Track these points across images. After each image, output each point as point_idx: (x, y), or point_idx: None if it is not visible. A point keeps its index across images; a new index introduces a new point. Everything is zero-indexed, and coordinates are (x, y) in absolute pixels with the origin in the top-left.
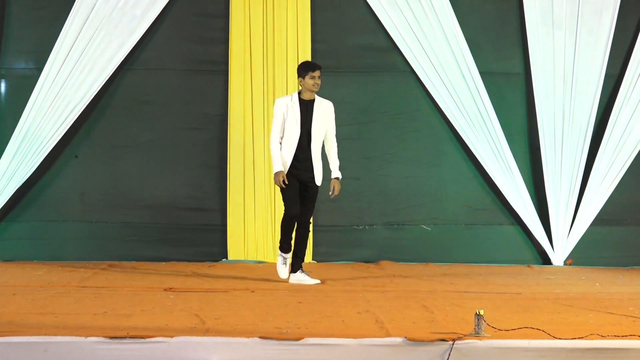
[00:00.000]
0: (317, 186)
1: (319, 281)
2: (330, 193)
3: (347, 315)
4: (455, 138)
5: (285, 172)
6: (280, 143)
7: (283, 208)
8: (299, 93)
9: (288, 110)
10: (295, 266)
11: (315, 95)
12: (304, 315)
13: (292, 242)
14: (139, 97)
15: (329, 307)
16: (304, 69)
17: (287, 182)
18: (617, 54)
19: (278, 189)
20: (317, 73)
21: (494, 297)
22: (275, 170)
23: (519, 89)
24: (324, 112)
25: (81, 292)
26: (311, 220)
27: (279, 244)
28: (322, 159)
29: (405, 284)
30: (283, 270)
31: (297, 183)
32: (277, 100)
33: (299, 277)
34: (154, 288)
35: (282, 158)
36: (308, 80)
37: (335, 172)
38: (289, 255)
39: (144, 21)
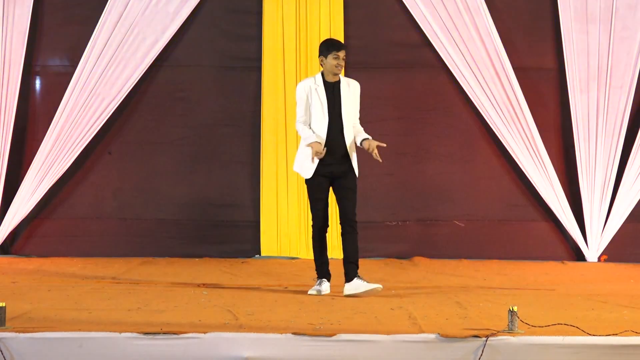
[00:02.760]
0: (356, 176)
1: (380, 286)
2: (372, 153)
3: (380, 312)
4: (489, 134)
5: (311, 174)
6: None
7: None
8: (322, 75)
9: (312, 93)
10: (350, 274)
11: (340, 76)
12: (337, 311)
13: (344, 250)
14: (172, 93)
15: (361, 303)
16: (326, 47)
17: (322, 154)
18: None
19: None
20: (341, 53)
21: (528, 294)
22: (311, 141)
23: (553, 85)
24: (353, 93)
25: (115, 288)
26: (356, 218)
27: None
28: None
29: (438, 280)
30: (317, 289)
31: (327, 186)
32: (298, 84)
33: (356, 285)
34: (188, 284)
35: (308, 157)
36: (331, 60)
37: (364, 135)
38: (327, 282)
39: (177, 18)
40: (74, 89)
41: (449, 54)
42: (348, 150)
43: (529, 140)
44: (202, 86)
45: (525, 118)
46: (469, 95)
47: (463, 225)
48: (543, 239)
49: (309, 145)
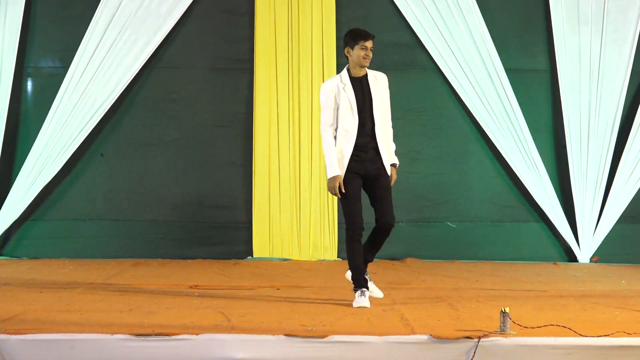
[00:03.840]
0: (388, 175)
1: (381, 295)
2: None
3: (372, 313)
4: (481, 135)
5: (344, 173)
6: (335, 137)
7: (309, 205)
8: (348, 70)
9: (340, 93)
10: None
11: (367, 69)
12: (329, 312)
13: (368, 249)
14: (164, 95)
15: None
16: (352, 38)
17: (344, 191)
18: None
19: (303, 186)
20: (369, 43)
21: (520, 295)
22: (330, 174)
23: (545, 86)
24: (381, 87)
25: (107, 290)
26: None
27: (351, 279)
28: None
29: (431, 282)
30: (364, 302)
31: (360, 183)
32: (323, 85)
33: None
34: (180, 286)
35: (339, 154)
36: (358, 51)
37: (393, 159)
38: (367, 291)
39: (170, 19)
40: (65, 90)
41: (441, 56)
42: (380, 149)
43: (520, 142)
44: (194, 87)
45: (517, 119)
46: (461, 96)
47: (455, 226)
48: (535, 240)
49: (329, 180)
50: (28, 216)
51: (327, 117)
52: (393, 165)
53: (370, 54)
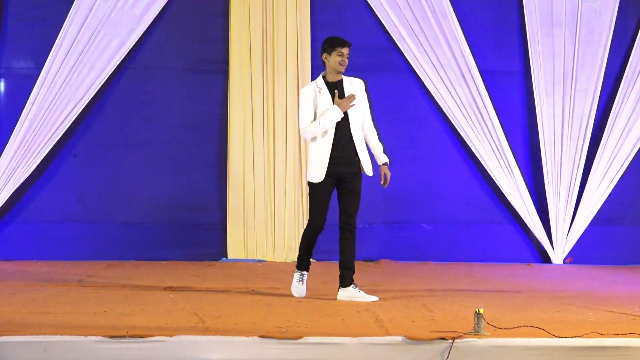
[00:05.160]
0: (360, 179)
1: (376, 298)
2: (382, 182)
3: (346, 314)
4: (455, 137)
5: (323, 177)
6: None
7: (284, 207)
8: (323, 76)
9: (317, 97)
10: (347, 279)
11: (342, 75)
12: (304, 314)
13: (342, 255)
14: (138, 96)
15: (328, 306)
16: (330, 45)
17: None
18: (616, 53)
19: (278, 187)
20: (345, 50)
21: (494, 296)
22: (334, 113)
23: (519, 88)
24: (357, 92)
25: (80, 292)
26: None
27: (297, 259)
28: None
29: (405, 283)
30: (300, 289)
31: (332, 190)
32: (303, 90)
33: (351, 293)
34: (154, 287)
35: (318, 158)
36: (335, 57)
37: (383, 158)
38: (307, 273)
39: (144, 20)
40: (39, 91)
41: (416, 58)
42: (357, 152)
43: (495, 143)
44: (168, 89)
45: (491, 121)
46: (435, 98)
47: (429, 227)
48: (509, 242)
49: (330, 114)
50: (0, 217)
51: (307, 119)
52: (385, 164)
53: (346, 61)
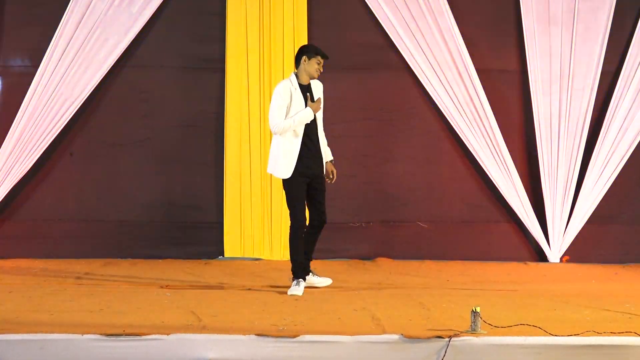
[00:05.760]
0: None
1: (330, 280)
2: (329, 179)
3: (343, 313)
4: (452, 135)
5: (291, 173)
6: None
7: (280, 205)
8: (296, 76)
9: (292, 95)
10: (308, 269)
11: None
12: (301, 312)
13: (306, 246)
14: (135, 94)
15: (325, 304)
16: (314, 51)
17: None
18: (613, 51)
19: (275, 186)
20: (323, 61)
21: (491, 294)
22: (306, 114)
23: (516, 87)
24: (321, 94)
25: (77, 290)
26: None
27: (292, 269)
28: None
29: (402, 281)
30: (297, 289)
31: (305, 186)
32: (280, 84)
33: (310, 281)
34: (150, 286)
35: (289, 155)
36: (314, 64)
37: (329, 155)
38: (304, 282)
39: (140, 19)
40: (35, 89)
41: (413, 56)
42: (322, 151)
43: (491, 142)
44: (165, 87)
45: (488, 120)
46: (432, 96)
47: (426, 226)
48: (505, 240)
49: (303, 115)
50: None
51: (279, 114)
52: (331, 161)
53: (322, 70)
